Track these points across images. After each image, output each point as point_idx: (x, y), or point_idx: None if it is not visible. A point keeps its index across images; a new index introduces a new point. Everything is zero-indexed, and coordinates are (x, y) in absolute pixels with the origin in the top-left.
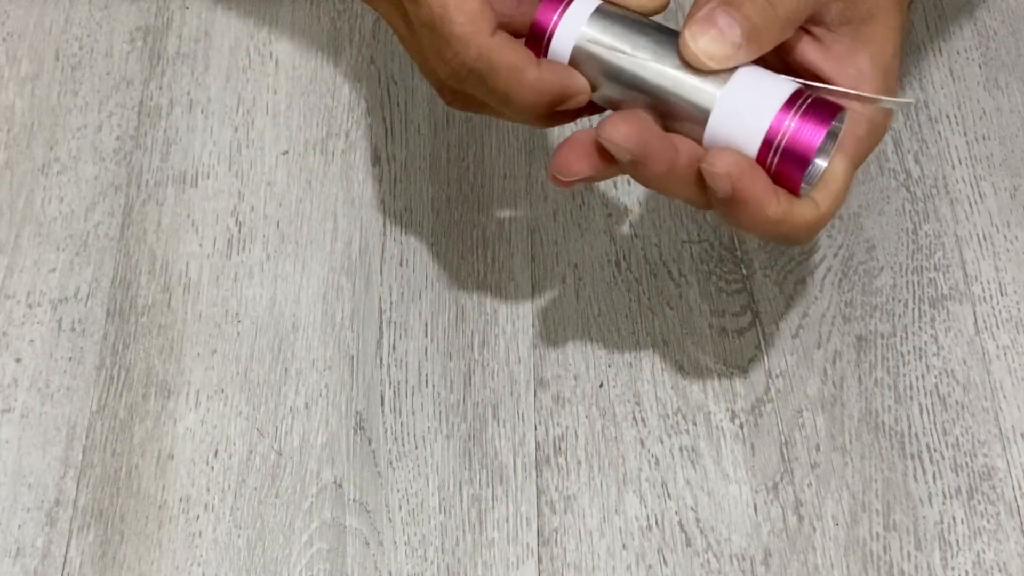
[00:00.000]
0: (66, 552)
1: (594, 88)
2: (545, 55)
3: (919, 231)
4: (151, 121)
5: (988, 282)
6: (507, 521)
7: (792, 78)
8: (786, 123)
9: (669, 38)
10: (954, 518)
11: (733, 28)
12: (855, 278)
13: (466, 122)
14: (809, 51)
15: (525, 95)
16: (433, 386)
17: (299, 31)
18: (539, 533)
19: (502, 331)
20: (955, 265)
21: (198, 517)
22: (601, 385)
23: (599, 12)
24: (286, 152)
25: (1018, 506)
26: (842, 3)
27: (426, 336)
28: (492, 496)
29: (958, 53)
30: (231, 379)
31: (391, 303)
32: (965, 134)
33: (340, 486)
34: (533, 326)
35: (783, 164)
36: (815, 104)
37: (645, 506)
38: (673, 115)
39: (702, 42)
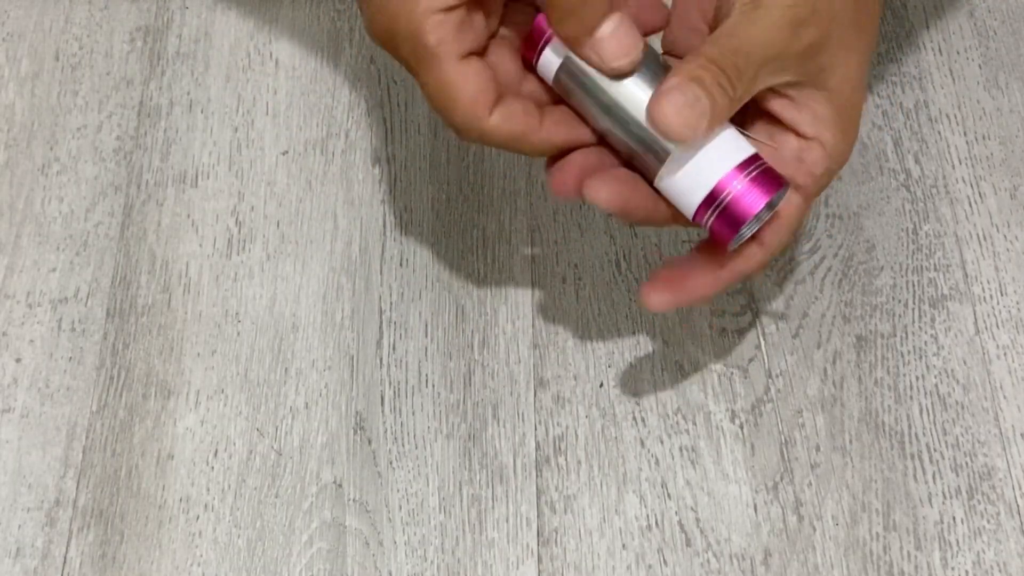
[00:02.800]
0: (66, 552)
1: (572, 101)
2: (537, 60)
3: (919, 231)
4: (151, 121)
5: (988, 282)
6: (507, 521)
7: (749, 138)
8: (733, 184)
9: (655, 72)
10: (954, 518)
11: (702, 105)
12: (855, 278)
13: None
14: (772, 103)
15: (532, 151)
16: (433, 386)
17: (299, 31)
18: (539, 533)
19: (502, 331)
20: (955, 265)
21: (198, 517)
22: (601, 385)
23: None
24: (286, 152)
25: (1018, 506)
26: (799, 67)
27: (426, 336)
28: (492, 496)
29: (958, 53)
30: (231, 379)
31: (391, 303)
32: (965, 134)
33: (340, 486)
34: (533, 326)
35: (718, 223)
36: (763, 174)
37: (645, 506)
38: (634, 147)
39: (671, 112)
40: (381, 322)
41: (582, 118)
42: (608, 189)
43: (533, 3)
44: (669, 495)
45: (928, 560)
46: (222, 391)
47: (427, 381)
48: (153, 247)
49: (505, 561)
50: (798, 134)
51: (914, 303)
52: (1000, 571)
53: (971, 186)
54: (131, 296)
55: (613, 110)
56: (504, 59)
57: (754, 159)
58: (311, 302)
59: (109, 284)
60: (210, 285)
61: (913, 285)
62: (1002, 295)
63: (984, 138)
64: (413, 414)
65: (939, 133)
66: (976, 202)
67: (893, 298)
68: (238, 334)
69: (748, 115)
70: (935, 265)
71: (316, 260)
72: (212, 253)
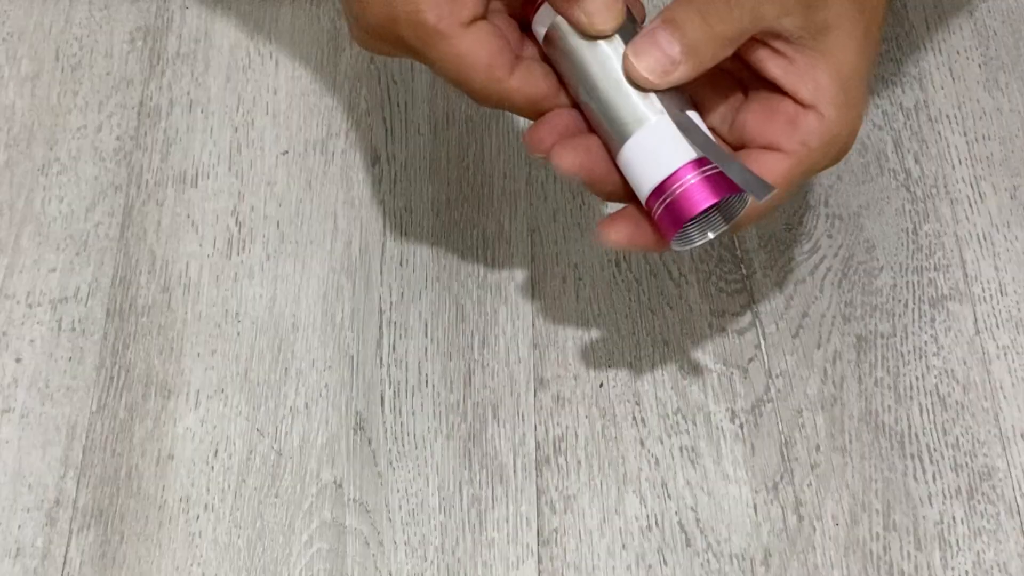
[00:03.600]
0: (66, 552)
1: (557, 68)
2: (535, 17)
3: (919, 231)
4: (151, 121)
5: (988, 282)
6: (507, 521)
7: (717, 144)
8: (686, 178)
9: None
10: (954, 518)
11: (672, 45)
12: (855, 278)
13: (466, 122)
14: (771, 65)
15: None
16: (433, 386)
17: (299, 31)
18: (539, 533)
19: (502, 331)
20: (955, 265)
21: (198, 517)
22: (601, 385)
23: None
24: (286, 152)
25: (1018, 506)
26: (796, 16)
27: (426, 336)
28: (492, 496)
29: (958, 53)
30: (231, 379)
31: (391, 303)
32: (965, 134)
33: (340, 486)
34: (533, 326)
35: (664, 215)
36: (718, 175)
37: (645, 506)
38: (603, 120)
39: (643, 60)
40: (381, 322)
41: (564, 86)
42: (573, 156)
43: None
44: (669, 495)
45: (928, 560)
46: (222, 391)
47: (427, 381)
48: (153, 247)
49: (505, 561)
50: (796, 100)
51: (914, 303)
52: (1000, 571)
53: (971, 186)
54: (131, 296)
55: (587, 79)
56: (504, 26)
57: (706, 160)
58: (311, 302)
59: (109, 284)
60: (210, 285)
61: (913, 285)
62: (1002, 295)
63: (984, 138)
64: (413, 414)
65: (939, 133)
66: (976, 202)
67: (893, 298)
68: (238, 334)
69: (747, 82)
70: (935, 265)
71: (316, 260)
72: (212, 253)
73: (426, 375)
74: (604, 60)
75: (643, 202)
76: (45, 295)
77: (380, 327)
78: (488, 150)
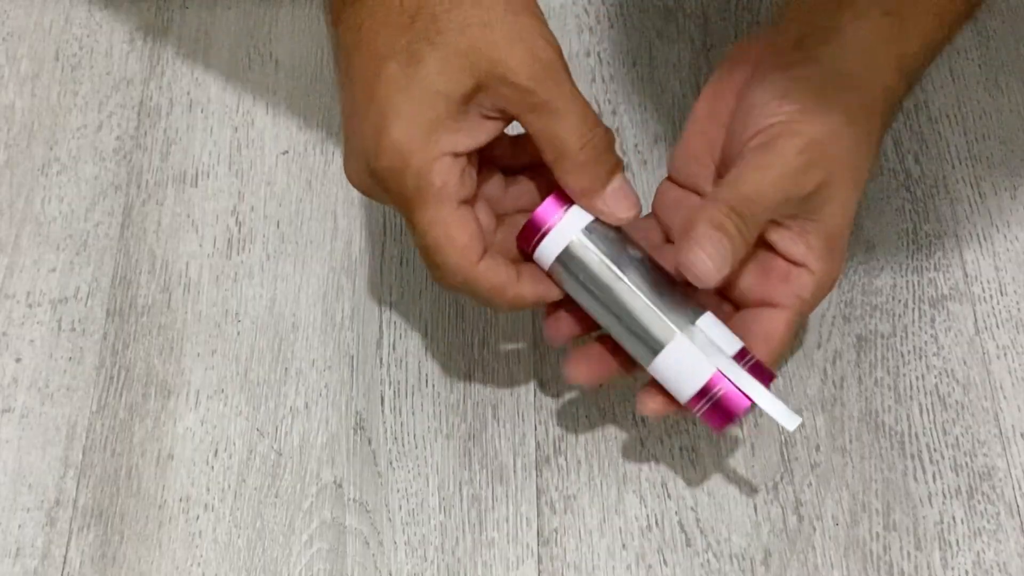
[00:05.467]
0: (66, 552)
1: (568, 288)
2: (534, 250)
3: (919, 231)
4: (151, 121)
5: (988, 282)
6: (507, 521)
7: (734, 338)
8: (723, 382)
9: (648, 268)
10: (954, 518)
11: (725, 247)
12: (855, 278)
13: None
14: (769, 231)
15: (502, 305)
16: (433, 386)
17: (299, 31)
18: (539, 533)
19: (502, 331)
20: (955, 265)
21: (198, 517)
22: (601, 385)
23: (591, 227)
24: (286, 152)
25: (1018, 506)
26: (799, 204)
27: (426, 336)
28: (492, 496)
29: (958, 53)
30: (231, 379)
31: (391, 303)
32: (965, 134)
33: (340, 486)
34: (533, 326)
35: (710, 413)
36: (753, 368)
37: (645, 506)
38: (627, 336)
39: (705, 256)
40: (381, 322)
41: (579, 305)
42: (588, 368)
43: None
44: (669, 495)
45: (928, 560)
46: (222, 391)
47: (427, 381)
48: (153, 247)
49: (505, 561)
50: (787, 259)
51: (914, 303)
52: (1000, 571)
53: (971, 186)
54: (131, 296)
55: (611, 299)
56: (483, 215)
57: (744, 353)
58: (311, 302)
59: (109, 284)
60: (210, 285)
61: (913, 285)
62: (1002, 295)
63: (984, 138)
64: (413, 414)
65: (939, 133)
66: (976, 202)
67: (893, 298)
68: (238, 334)
69: None
70: (935, 265)
71: (316, 260)
72: (212, 253)
73: (426, 375)
74: (623, 288)
75: (683, 402)
76: (45, 295)
77: (380, 327)
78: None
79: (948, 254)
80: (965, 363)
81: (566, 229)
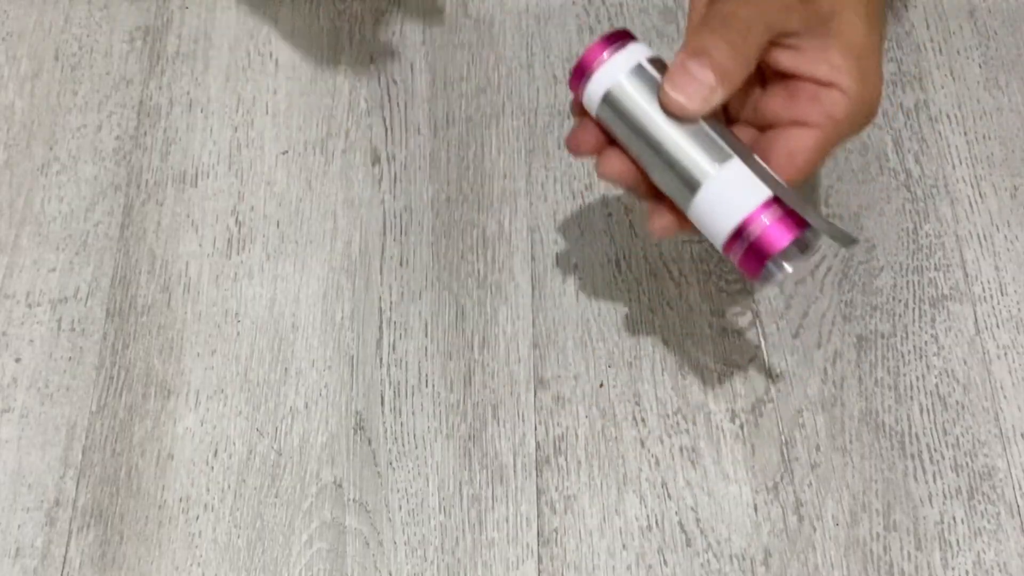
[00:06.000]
0: (66, 552)
1: (614, 130)
2: (583, 90)
3: (919, 231)
4: (151, 121)
5: (988, 282)
6: (507, 521)
7: (776, 178)
8: (760, 220)
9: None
10: (954, 518)
11: (706, 73)
12: (855, 278)
13: (466, 122)
14: (784, 59)
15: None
16: (433, 386)
17: (299, 31)
18: (539, 533)
19: (502, 331)
20: (955, 265)
21: (198, 517)
22: (601, 385)
23: (641, 66)
24: (286, 152)
25: (1018, 506)
26: (798, 12)
27: (426, 336)
28: (492, 496)
29: (958, 53)
30: (231, 379)
31: (391, 303)
32: (965, 134)
33: (340, 486)
34: (533, 326)
35: (746, 257)
36: (788, 214)
37: (645, 506)
38: (669, 177)
39: (681, 91)
40: (381, 322)
41: (621, 148)
42: (620, 163)
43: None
44: (669, 495)
45: (928, 560)
46: (222, 391)
47: (427, 381)
48: (153, 247)
49: (505, 561)
50: (815, 81)
51: (914, 303)
52: (1000, 571)
53: (971, 186)
54: (131, 296)
55: (651, 142)
56: None
57: (777, 199)
58: (311, 302)
59: (109, 284)
60: (210, 285)
61: (913, 285)
62: (1002, 295)
63: (984, 138)
64: (413, 414)
65: (939, 133)
66: (976, 202)
67: (893, 298)
68: (238, 334)
69: (764, 76)
70: (935, 265)
71: (316, 260)
72: (212, 253)
73: (426, 375)
74: (665, 127)
75: (720, 247)
76: (45, 295)
77: (380, 327)
78: (488, 150)
79: (948, 254)
80: (965, 363)
81: (610, 71)
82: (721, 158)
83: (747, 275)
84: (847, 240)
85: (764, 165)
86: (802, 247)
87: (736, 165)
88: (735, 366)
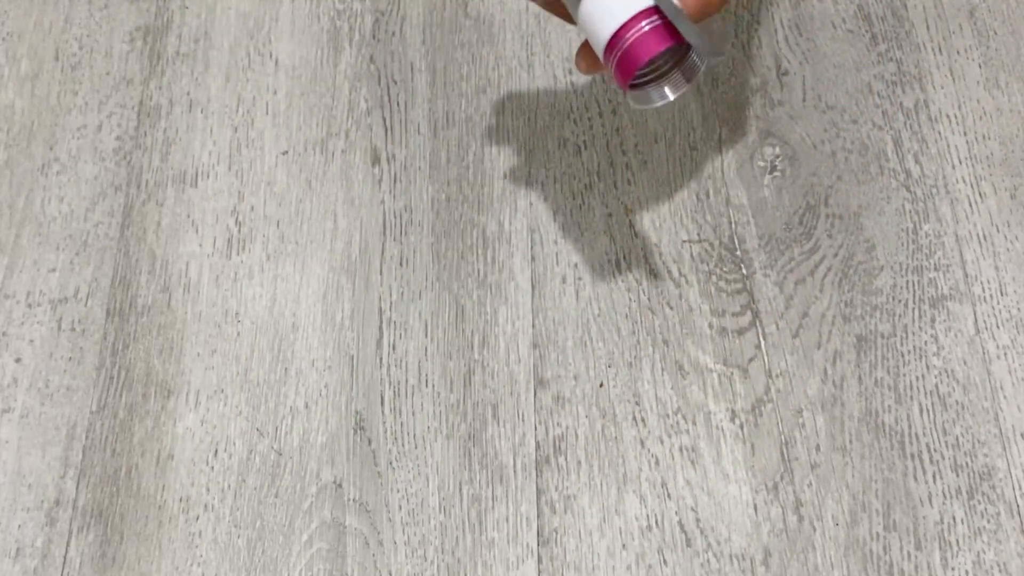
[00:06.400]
0: (66, 552)
1: None
2: None
3: (919, 231)
4: (151, 121)
5: (988, 282)
6: (507, 521)
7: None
8: (637, 26)
9: None
10: (954, 518)
11: None
12: (855, 278)
13: (466, 122)
14: None
15: None
16: (433, 386)
17: (299, 31)
18: (539, 533)
19: (502, 331)
20: (955, 265)
21: (198, 517)
22: (601, 385)
23: None
24: (286, 152)
25: (1018, 506)
26: None
27: (426, 336)
28: (492, 496)
29: (958, 53)
30: (231, 379)
31: (391, 303)
32: (965, 134)
33: (340, 486)
34: (533, 326)
35: (618, 67)
36: (667, 25)
37: (645, 506)
38: None
39: None
40: (381, 322)
41: None
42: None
43: None
44: (669, 495)
45: (928, 560)
46: (222, 391)
47: (427, 381)
48: (153, 247)
49: (505, 561)
50: None
51: (914, 303)
52: (1000, 571)
53: (971, 186)
54: (131, 296)
55: None
56: None
57: (652, 11)
58: (311, 302)
59: (109, 284)
60: (210, 285)
61: (913, 285)
62: (1002, 295)
63: (984, 138)
64: (413, 414)
65: (939, 133)
66: (976, 202)
67: (893, 298)
68: (238, 334)
69: None
70: (935, 265)
71: (316, 260)
72: (212, 253)
73: (426, 375)
74: None
75: (602, 59)
76: (45, 295)
77: (380, 327)
78: (488, 150)
79: (948, 254)
80: (965, 363)
81: None
82: None
83: (622, 86)
84: (715, 53)
85: None
86: (687, 72)
87: None
88: (735, 366)
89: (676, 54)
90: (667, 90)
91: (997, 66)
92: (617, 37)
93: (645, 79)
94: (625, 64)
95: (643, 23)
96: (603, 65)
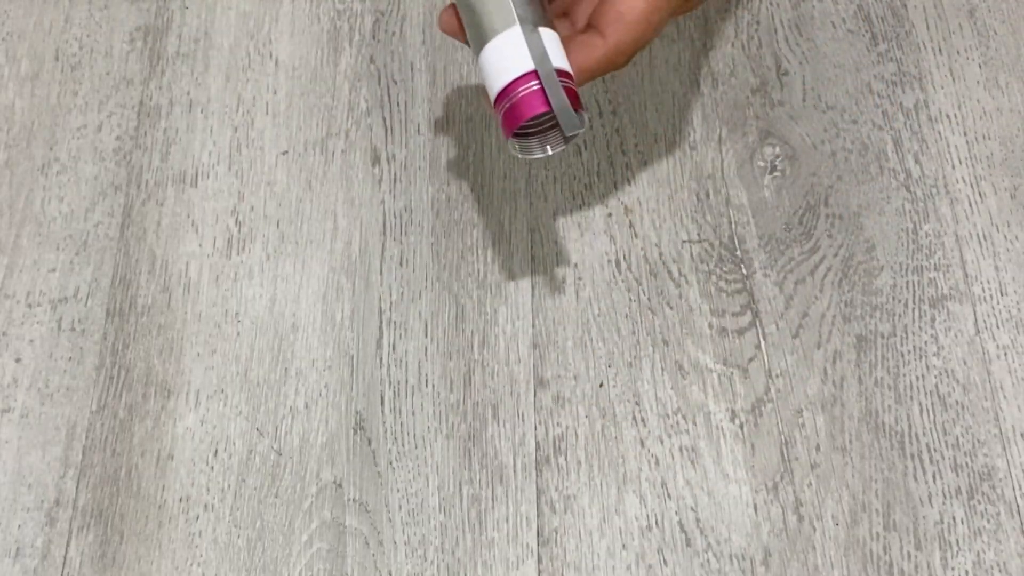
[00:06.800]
0: (66, 552)
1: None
2: None
3: (919, 231)
4: (151, 121)
5: (988, 282)
6: (507, 521)
7: (553, 61)
8: (525, 86)
9: None
10: (954, 518)
11: None
12: (855, 278)
13: (466, 122)
14: None
15: None
16: (433, 386)
17: (299, 31)
18: (539, 533)
19: (502, 331)
20: (955, 265)
21: (198, 517)
22: (601, 385)
23: None
24: (286, 152)
25: (1018, 506)
26: None
27: (426, 336)
28: (492, 496)
29: (958, 53)
30: (231, 379)
31: (391, 303)
32: (965, 134)
33: (340, 486)
34: (533, 326)
35: (504, 119)
36: (536, 92)
37: (645, 506)
38: (469, 26)
39: None
40: (381, 322)
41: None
42: (448, 18)
43: None
44: (669, 495)
45: (928, 560)
46: (222, 391)
47: (427, 381)
48: (153, 247)
49: (505, 561)
50: None
51: (914, 303)
52: (1000, 571)
53: (971, 186)
54: (131, 296)
55: (465, 4)
56: None
57: (565, 74)
58: (311, 302)
59: (109, 284)
60: (210, 285)
61: (913, 285)
62: (1002, 295)
63: (984, 138)
64: (413, 414)
65: (939, 133)
66: (976, 202)
67: (893, 298)
68: (238, 334)
69: None
70: (935, 265)
71: (316, 260)
72: (212, 253)
73: (426, 375)
74: None
75: (492, 98)
76: (45, 295)
77: (380, 327)
78: (488, 150)
79: (948, 254)
80: (965, 363)
81: None
82: (504, 25)
83: (506, 135)
84: (572, 125)
85: (552, 41)
86: (565, 133)
87: (513, 34)
88: (735, 366)
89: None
90: (548, 147)
91: (997, 66)
92: (506, 92)
93: (529, 132)
94: (510, 117)
95: (533, 82)
96: (492, 104)
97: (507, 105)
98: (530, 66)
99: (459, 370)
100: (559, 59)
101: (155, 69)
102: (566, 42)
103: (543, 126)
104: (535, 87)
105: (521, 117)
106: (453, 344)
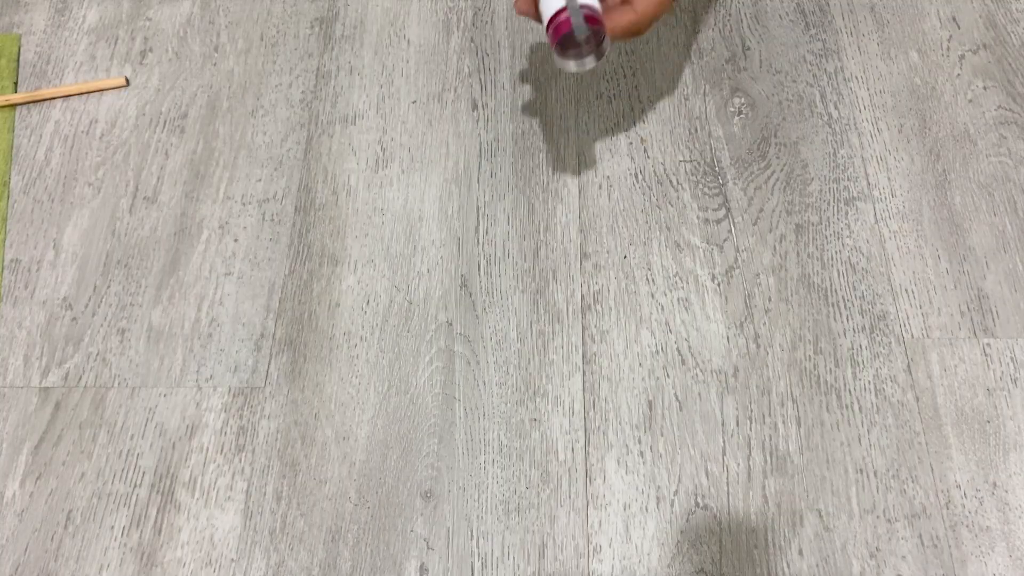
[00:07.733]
0: (268, 368)
1: None
2: None
3: (837, 154)
4: (324, 81)
5: (883, 188)
6: (562, 348)
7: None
8: (562, 15)
9: None
10: (860, 346)
11: None
12: (795, 185)
13: (534, 82)
14: None
15: None
16: (512, 257)
17: (423, 20)
18: (584, 356)
19: (559, 220)
20: (861, 177)
21: (355, 345)
22: (625, 257)
23: None
24: (414, 101)
25: (903, 338)
26: None
27: (508, 224)
28: (552, 331)
29: (863, 35)
30: (378, 253)
31: (485, 202)
32: (868, 89)
33: (451, 324)
34: (580, 217)
35: (551, 38)
36: (588, 15)
37: (654, 338)
38: None
39: None
40: (478, 215)
41: None
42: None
43: None
44: (671, 330)
45: (843, 374)
46: (372, 261)
47: (508, 254)
48: (326, 164)
49: (561, 374)
50: None
51: (834, 202)
52: (892, 382)
53: (872, 124)
54: (311, 197)
55: None
56: None
57: (584, 6)
58: (431, 202)
59: (296, 189)
60: (364, 190)
61: (833, 190)
62: (893, 196)
63: (881, 92)
64: (500, 276)
65: (851, 89)
66: (875, 135)
67: (820, 199)
68: (382, 223)
69: None
70: (848, 177)
71: (435, 173)
72: (365, 169)
73: (508, 250)
74: None
75: (546, 30)
76: (254, 196)
77: (478, 218)
78: (549, 100)
79: (856, 169)
80: (868, 242)
81: None
82: None
83: (552, 45)
84: (580, 30)
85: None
86: (598, 54)
87: None
88: (715, 244)
89: (597, 37)
90: (585, 62)
91: (890, 43)
92: (551, 20)
93: (568, 51)
94: (553, 35)
95: (565, 13)
96: (546, 31)
97: (551, 29)
98: (560, 5)
99: (530, 247)
100: (588, 1)
101: (327, 46)
102: (607, 10)
103: (579, 47)
104: (567, 16)
105: (558, 33)
106: (526, 229)
